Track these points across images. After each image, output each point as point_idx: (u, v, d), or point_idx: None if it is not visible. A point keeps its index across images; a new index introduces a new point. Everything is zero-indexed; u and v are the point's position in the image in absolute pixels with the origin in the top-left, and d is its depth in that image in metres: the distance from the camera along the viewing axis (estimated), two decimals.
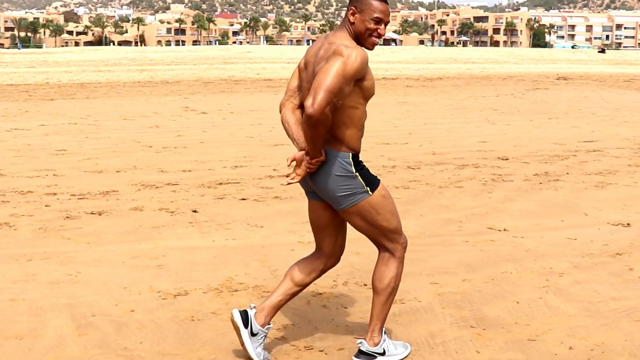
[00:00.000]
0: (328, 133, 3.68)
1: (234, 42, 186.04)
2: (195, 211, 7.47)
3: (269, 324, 3.94)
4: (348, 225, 4.05)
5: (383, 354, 3.94)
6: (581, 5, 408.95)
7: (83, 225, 6.89)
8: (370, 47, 3.80)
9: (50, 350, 4.09)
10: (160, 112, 17.89)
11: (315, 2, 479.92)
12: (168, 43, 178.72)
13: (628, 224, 7.03)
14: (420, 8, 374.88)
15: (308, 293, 5.03)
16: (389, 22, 3.84)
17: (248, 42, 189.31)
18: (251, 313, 3.90)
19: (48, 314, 4.63)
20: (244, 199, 8.05)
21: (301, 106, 3.94)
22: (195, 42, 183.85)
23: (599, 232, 6.77)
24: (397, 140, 12.99)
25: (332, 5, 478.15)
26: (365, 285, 5.25)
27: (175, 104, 19.97)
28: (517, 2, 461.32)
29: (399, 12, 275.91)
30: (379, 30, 3.77)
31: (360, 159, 3.84)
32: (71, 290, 5.08)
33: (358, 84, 3.69)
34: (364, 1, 3.76)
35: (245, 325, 3.87)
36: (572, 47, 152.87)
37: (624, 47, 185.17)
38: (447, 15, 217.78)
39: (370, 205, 3.82)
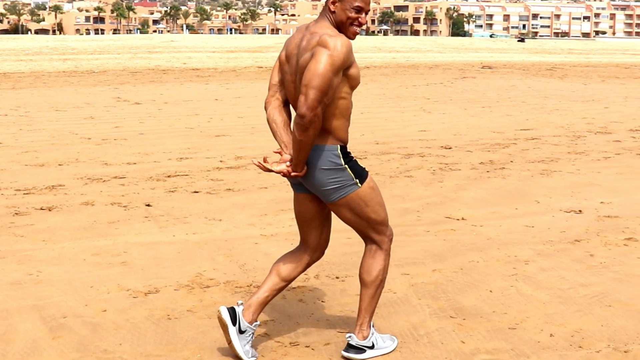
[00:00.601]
0: None
1: (155, 31, 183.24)
2: (148, 205, 7.30)
3: (257, 321, 3.87)
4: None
5: (372, 347, 3.92)
6: None
7: (34, 221, 6.64)
8: (352, 37, 3.75)
9: (26, 356, 3.92)
10: (92, 102, 17.42)
11: None
12: (87, 32, 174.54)
13: (580, 211, 7.19)
14: None
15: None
16: (369, 10, 3.79)
17: (169, 31, 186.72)
18: (239, 310, 3.82)
19: (15, 317, 4.44)
20: (197, 192, 7.90)
21: (286, 102, 3.87)
22: (115, 31, 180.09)
23: (554, 219, 6.90)
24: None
25: None
26: (337, 278, 5.22)
27: (106, 94, 19.49)
28: None
29: (319, 0, 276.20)
30: (359, 19, 3.71)
31: (348, 150, 3.79)
32: (35, 291, 4.88)
33: (345, 73, 3.64)
34: None
35: (234, 322, 3.79)
36: (490, 36, 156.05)
37: (540, 36, 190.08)
38: None
39: (359, 197, 3.78)
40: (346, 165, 3.73)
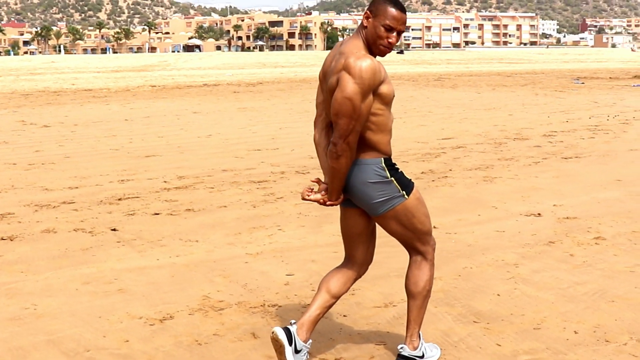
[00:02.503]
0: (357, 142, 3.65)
1: (26, 52, 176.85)
2: (114, 229, 7.06)
3: (310, 339, 3.84)
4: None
5: (422, 357, 3.96)
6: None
7: (1, 252, 6.30)
8: (381, 55, 3.75)
9: None
10: None
11: (106, 10, 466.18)
12: None
13: (539, 214, 7.49)
14: (213, 14, 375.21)
15: (298, 305, 4.94)
16: (403, 31, 3.80)
17: (41, 52, 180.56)
18: (293, 330, 3.77)
19: (34, 354, 4.21)
20: (157, 214, 7.71)
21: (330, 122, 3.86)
22: None
23: (519, 223, 7.16)
24: (265, 146, 12.96)
25: (124, 13, 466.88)
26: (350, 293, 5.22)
27: (7, 118, 18.66)
28: (307, 6, 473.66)
29: (193, 18, 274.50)
30: (389, 39, 3.69)
31: (393, 162, 3.82)
32: (41, 325, 4.65)
33: (375, 92, 3.65)
34: (380, 6, 3.70)
35: (290, 342, 3.74)
36: None
37: (413, 47, 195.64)
38: (242, 20, 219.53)
39: (407, 209, 3.82)
40: (392, 178, 3.76)
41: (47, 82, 36.83)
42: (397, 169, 3.82)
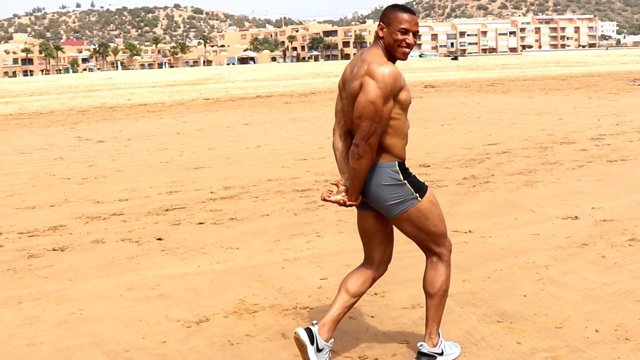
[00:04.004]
0: None
1: (85, 69, 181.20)
2: (160, 239, 7.37)
3: (332, 339, 4.02)
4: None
5: (441, 354, 4.12)
6: (424, 15, 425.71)
7: (52, 262, 6.66)
8: (402, 57, 3.95)
9: None
10: (54, 143, 17.28)
11: (162, 25, 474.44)
12: (14, 74, 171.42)
13: (576, 217, 7.53)
14: (268, 25, 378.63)
15: (324, 309, 5.12)
16: (417, 31, 3.99)
17: (99, 69, 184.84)
18: (315, 329, 3.96)
19: (78, 355, 4.50)
20: (202, 223, 8.00)
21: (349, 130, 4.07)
22: (45, 71, 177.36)
23: (555, 226, 7.23)
24: (312, 155, 13.20)
25: (179, 27, 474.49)
26: (376, 294, 5.40)
27: (65, 135, 19.34)
28: (362, 15, 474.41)
29: (248, 30, 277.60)
30: (407, 41, 3.90)
31: (407, 166, 3.99)
32: (86, 329, 4.94)
33: (395, 98, 3.85)
34: (390, 15, 3.93)
35: (312, 342, 3.93)
36: (420, 56, 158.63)
37: (469, 53, 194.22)
38: (297, 31, 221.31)
39: (420, 211, 3.97)
40: (405, 181, 3.93)
41: (104, 98, 37.83)
42: (411, 173, 3.99)
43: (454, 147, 13.49)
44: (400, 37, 3.89)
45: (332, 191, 4.05)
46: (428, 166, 11.30)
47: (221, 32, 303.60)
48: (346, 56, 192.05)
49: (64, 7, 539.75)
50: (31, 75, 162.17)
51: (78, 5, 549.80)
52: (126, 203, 9.34)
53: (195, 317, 5.06)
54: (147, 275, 6.14)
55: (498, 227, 7.28)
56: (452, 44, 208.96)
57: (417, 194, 3.96)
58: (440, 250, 4.13)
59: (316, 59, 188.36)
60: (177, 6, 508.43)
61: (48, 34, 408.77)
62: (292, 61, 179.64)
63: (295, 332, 3.95)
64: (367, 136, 3.75)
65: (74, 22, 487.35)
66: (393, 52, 3.92)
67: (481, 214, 7.92)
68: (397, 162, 3.92)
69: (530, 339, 4.43)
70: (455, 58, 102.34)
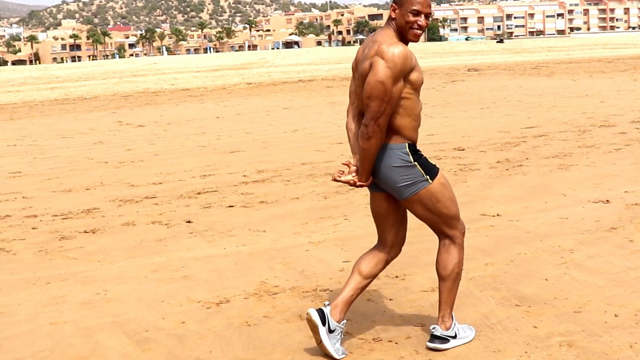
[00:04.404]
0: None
1: (132, 55, 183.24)
2: (189, 221, 7.46)
3: (344, 320, 4.04)
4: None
5: (455, 337, 4.11)
6: None
7: (82, 244, 6.80)
8: (414, 39, 3.94)
9: None
10: (95, 127, 17.57)
11: (208, 10, 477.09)
12: (62, 60, 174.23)
13: (607, 201, 7.42)
14: (313, 9, 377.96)
15: None
16: (429, 13, 3.96)
17: (145, 54, 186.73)
18: (326, 310, 3.99)
19: (99, 334, 4.59)
20: (232, 206, 8.08)
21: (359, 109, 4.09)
22: (92, 57, 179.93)
23: (585, 210, 7.13)
24: (344, 139, 13.18)
25: (225, 12, 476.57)
26: (397, 277, 5.40)
27: (106, 119, 19.64)
28: None
29: (293, 14, 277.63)
30: (418, 22, 3.87)
31: (418, 148, 3.97)
32: (109, 309, 5.04)
33: (406, 78, 3.83)
34: None
35: (323, 323, 3.96)
36: (466, 39, 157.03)
37: (515, 36, 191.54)
38: (342, 15, 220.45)
39: (431, 194, 3.96)
40: (415, 162, 3.91)
41: (147, 83, 38.25)
42: (422, 155, 3.97)
43: (491, 130, 13.37)
44: (412, 18, 3.88)
45: (343, 171, 4.06)
46: (463, 149, 11.22)
47: (266, 16, 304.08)
48: None
49: None
50: (79, 60, 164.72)
51: None
52: (160, 186, 9.47)
53: (216, 298, 5.13)
54: (174, 257, 6.23)
55: (527, 211, 7.21)
56: (498, 27, 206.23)
57: (428, 176, 3.94)
58: (453, 233, 4.12)
59: (361, 42, 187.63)
60: None
61: (96, 20, 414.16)
62: (337, 45, 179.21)
63: (307, 313, 3.98)
64: (376, 116, 3.75)
65: (121, 8, 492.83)
66: (405, 34, 3.91)
67: (511, 197, 7.85)
68: (407, 144, 3.91)
69: (547, 322, 4.39)
70: (501, 41, 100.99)
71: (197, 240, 6.73)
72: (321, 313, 3.97)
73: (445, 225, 4.09)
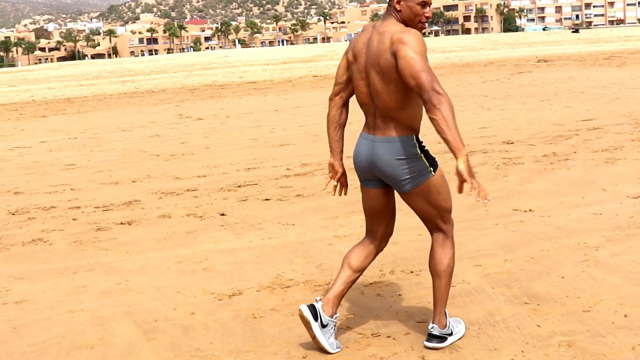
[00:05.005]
0: (391, 118, 3.82)
1: (207, 48, 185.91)
2: (223, 214, 7.58)
3: (336, 314, 4.06)
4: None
5: (451, 334, 4.08)
6: None
7: (116, 235, 6.98)
8: (420, 30, 3.89)
9: (124, 357, 4.19)
10: (156, 121, 17.95)
11: (284, 2, 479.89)
12: (142, 53, 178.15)
13: None
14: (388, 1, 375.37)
15: (360, 284, 5.16)
16: (431, 3, 3.93)
17: (221, 47, 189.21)
18: (318, 306, 3.99)
19: (111, 323, 4.73)
20: (268, 199, 8.16)
21: (347, 102, 4.08)
22: (169, 50, 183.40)
23: (622, 205, 6.94)
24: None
25: (300, 5, 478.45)
26: (412, 272, 5.38)
27: (168, 112, 20.03)
28: None
29: (368, 6, 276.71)
30: (426, 14, 3.85)
31: (421, 139, 3.94)
32: (126, 299, 5.18)
33: None
34: None
35: (315, 318, 3.97)
36: (544, 29, 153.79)
37: (595, 25, 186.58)
38: None
39: (433, 186, 3.93)
40: (421, 154, 3.89)
41: (216, 76, 38.81)
42: (424, 146, 3.94)
43: (545, 123, 13.10)
44: (420, 10, 3.83)
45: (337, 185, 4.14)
46: (511, 143, 11.04)
47: (341, 8, 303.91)
48: (467, 31, 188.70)
49: None
50: (156, 54, 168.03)
51: None
52: (203, 179, 9.63)
53: (229, 290, 5.21)
54: (199, 249, 6.34)
55: (562, 206, 7.06)
56: (577, 16, 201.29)
57: (432, 168, 3.92)
58: (447, 227, 4.10)
59: (436, 34, 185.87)
60: None
61: (173, 14, 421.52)
62: None
63: (299, 310, 4.00)
64: (430, 85, 3.56)
65: (198, 2, 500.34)
66: (412, 25, 3.84)
67: (549, 192, 7.70)
68: (414, 136, 3.88)
69: (552, 322, 4.31)
70: (576, 31, 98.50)
71: (226, 233, 6.84)
72: (312, 309, 3.98)
73: (440, 219, 4.06)
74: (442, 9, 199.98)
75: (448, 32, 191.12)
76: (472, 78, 26.57)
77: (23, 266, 6.16)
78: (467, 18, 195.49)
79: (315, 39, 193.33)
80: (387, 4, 3.97)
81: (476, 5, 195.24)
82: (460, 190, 3.50)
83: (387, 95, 3.80)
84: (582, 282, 4.95)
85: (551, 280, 5.01)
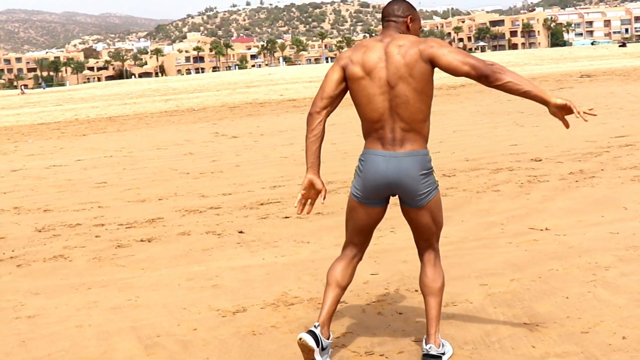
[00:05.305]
0: (414, 132, 3.85)
1: (253, 66, 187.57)
2: (241, 232, 7.67)
3: (331, 335, 4.08)
4: None
5: (444, 354, 4.09)
6: (597, 0, 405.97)
7: (135, 252, 7.12)
8: None
9: None
10: (191, 139, 18.21)
11: (329, 20, 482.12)
12: (188, 71, 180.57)
13: None
14: (435, 17, 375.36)
15: (363, 302, 5.20)
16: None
17: (267, 65, 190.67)
18: (317, 331, 3.97)
19: (115, 338, 4.83)
20: (287, 217, 8.23)
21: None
22: (215, 69, 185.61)
23: None
24: (432, 148, 13.10)
25: (346, 22, 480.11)
26: (416, 291, 5.38)
27: (205, 131, 20.29)
28: (531, 2, 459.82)
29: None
30: None
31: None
32: (133, 314, 5.28)
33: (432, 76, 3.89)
34: (416, 13, 4.08)
35: (317, 344, 3.94)
36: (592, 44, 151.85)
37: None
38: (463, 22, 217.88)
39: (438, 201, 4.02)
40: (432, 168, 3.96)
41: (258, 94, 39.18)
42: None
43: (577, 139, 12.95)
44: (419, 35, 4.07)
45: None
46: (539, 160, 10.96)
47: None
48: (513, 46, 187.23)
49: (234, 6, 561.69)
50: (202, 72, 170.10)
51: (248, 4, 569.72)
52: (227, 197, 9.75)
53: (234, 307, 5.28)
54: (212, 266, 6.43)
55: (579, 225, 7.00)
56: (626, 30, 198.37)
57: (438, 183, 3.98)
58: (437, 246, 4.20)
59: (482, 49, 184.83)
60: (344, 1, 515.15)
61: (220, 32, 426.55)
62: None
63: (301, 339, 3.92)
64: (482, 62, 3.74)
65: (244, 20, 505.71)
66: None
67: (569, 210, 7.63)
68: (427, 150, 3.93)
69: (547, 343, 4.28)
70: (623, 45, 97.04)
71: (241, 251, 6.92)
72: (314, 336, 3.95)
73: (436, 236, 4.12)
74: (488, 24, 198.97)
75: (494, 48, 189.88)
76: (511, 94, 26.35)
77: (41, 282, 6.32)
78: (513, 33, 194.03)
79: None
80: (388, 21, 4.03)
81: (523, 20, 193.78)
82: (567, 118, 3.75)
83: (418, 106, 3.83)
84: (586, 302, 4.91)
85: (554, 301, 4.97)
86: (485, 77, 3.71)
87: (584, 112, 3.68)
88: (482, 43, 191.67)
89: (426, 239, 4.11)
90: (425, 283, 4.12)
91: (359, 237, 4.17)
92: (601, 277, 5.39)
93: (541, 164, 10.69)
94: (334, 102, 4.05)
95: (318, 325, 4.03)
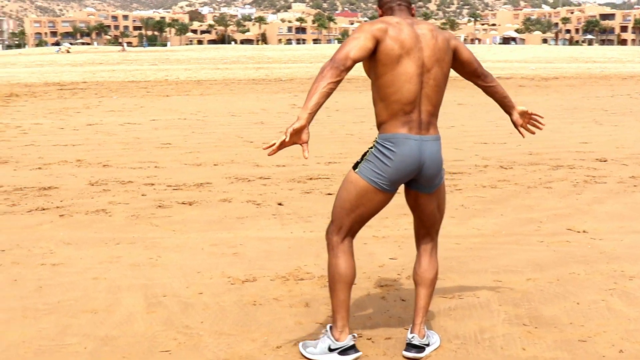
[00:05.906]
0: (435, 116, 3.88)
1: None
2: (280, 204, 7.76)
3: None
4: None
5: (428, 345, 4.07)
6: None
7: (173, 214, 7.30)
8: None
9: (119, 325, 4.44)
10: (268, 109, 18.40)
11: (436, 1, 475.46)
12: (289, 41, 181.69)
13: None
14: (544, 6, 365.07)
15: (371, 284, 5.21)
16: None
17: None
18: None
19: (124, 292, 5.00)
20: (330, 194, 8.27)
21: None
22: (315, 41, 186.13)
23: None
24: (495, 139, 12.89)
25: (453, 4, 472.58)
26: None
27: (284, 102, 20.46)
28: None
29: (521, 10, 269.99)
30: None
31: None
32: (149, 273, 5.44)
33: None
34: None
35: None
36: None
37: None
38: (572, 13, 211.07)
39: (444, 187, 4.07)
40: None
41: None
42: None
43: None
44: None
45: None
46: (605, 161, 10.61)
47: (494, 10, 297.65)
48: (623, 42, 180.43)
49: None
50: (304, 43, 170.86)
51: None
52: (280, 169, 9.84)
53: (246, 276, 5.37)
54: (240, 235, 6.54)
55: (620, 231, 6.78)
56: None
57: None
58: (437, 237, 4.22)
59: (590, 42, 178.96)
60: None
61: (325, 5, 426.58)
62: (564, 44, 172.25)
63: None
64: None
65: None
66: None
67: (615, 215, 7.39)
68: None
69: (539, 347, 4.19)
70: None
71: (273, 222, 7.00)
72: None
73: (439, 225, 4.17)
74: (598, 17, 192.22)
75: (602, 42, 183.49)
76: (602, 91, 25.54)
77: (76, 233, 6.57)
78: (624, 28, 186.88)
79: (465, 39, 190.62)
80: (400, 5, 3.96)
81: (635, 15, 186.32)
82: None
83: (443, 92, 3.88)
84: (596, 310, 4.77)
85: (563, 305, 4.86)
86: (484, 77, 3.97)
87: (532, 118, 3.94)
88: (589, 36, 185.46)
89: (429, 226, 4.09)
90: (418, 272, 4.10)
91: (361, 224, 4.05)
92: (622, 287, 5.23)
93: (605, 164, 10.35)
94: (351, 68, 3.62)
95: (356, 336, 4.02)
